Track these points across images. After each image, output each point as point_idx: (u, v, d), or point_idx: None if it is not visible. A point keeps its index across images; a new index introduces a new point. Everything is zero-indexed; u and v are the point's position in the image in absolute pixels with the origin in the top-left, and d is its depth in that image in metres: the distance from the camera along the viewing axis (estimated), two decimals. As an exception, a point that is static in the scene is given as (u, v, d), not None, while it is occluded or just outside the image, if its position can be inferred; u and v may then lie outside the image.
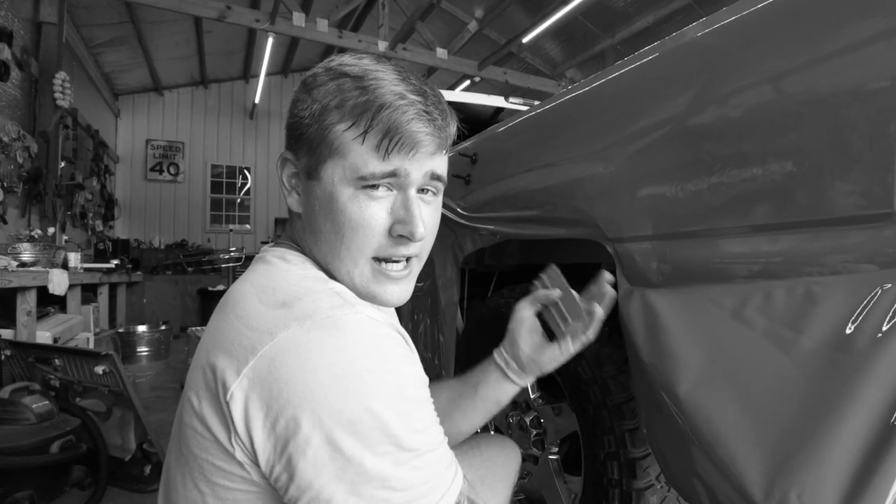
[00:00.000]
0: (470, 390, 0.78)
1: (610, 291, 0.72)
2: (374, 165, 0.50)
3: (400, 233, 0.52)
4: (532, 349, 0.75)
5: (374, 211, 0.51)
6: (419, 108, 0.50)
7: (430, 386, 0.69)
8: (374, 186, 0.51)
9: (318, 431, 0.42)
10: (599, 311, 0.71)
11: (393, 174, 0.51)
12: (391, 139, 0.49)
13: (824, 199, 0.57)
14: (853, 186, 0.55)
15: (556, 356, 0.74)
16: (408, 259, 0.55)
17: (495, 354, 0.78)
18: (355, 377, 0.43)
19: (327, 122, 0.51)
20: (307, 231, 0.57)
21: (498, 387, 0.77)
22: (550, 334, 0.76)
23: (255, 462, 0.45)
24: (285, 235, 0.62)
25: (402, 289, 0.56)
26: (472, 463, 0.77)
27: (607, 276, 0.73)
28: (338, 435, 0.42)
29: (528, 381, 0.77)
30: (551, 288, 0.75)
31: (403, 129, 0.49)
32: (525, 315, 0.77)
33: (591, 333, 0.73)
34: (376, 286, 0.54)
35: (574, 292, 0.74)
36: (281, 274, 0.52)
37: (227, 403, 0.44)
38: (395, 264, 0.54)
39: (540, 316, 0.78)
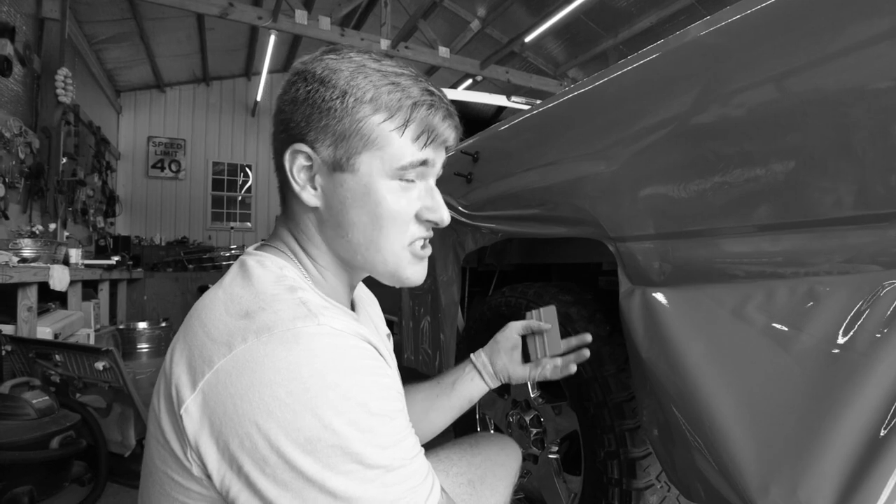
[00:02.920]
0: (446, 389, 0.87)
1: (585, 353, 0.86)
2: (411, 155, 0.53)
3: (428, 218, 0.56)
4: (509, 363, 0.88)
5: (409, 200, 0.54)
6: (444, 106, 0.54)
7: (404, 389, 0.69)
8: (409, 178, 0.54)
9: (275, 451, 0.40)
10: (573, 367, 0.85)
11: (424, 163, 0.54)
12: (429, 134, 0.53)
13: (827, 198, 0.57)
14: (857, 186, 0.55)
15: (523, 375, 0.88)
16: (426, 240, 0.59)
17: (473, 357, 0.90)
18: (314, 394, 0.41)
19: (361, 115, 0.51)
20: (327, 225, 0.55)
21: (472, 385, 0.87)
22: (527, 355, 0.90)
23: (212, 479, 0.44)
24: (275, 236, 0.59)
25: (423, 268, 0.59)
26: (471, 462, 0.78)
27: (587, 336, 0.86)
28: (296, 455, 0.40)
29: (496, 384, 0.89)
30: (544, 322, 0.88)
31: (438, 125, 0.54)
32: (513, 335, 0.89)
33: (557, 373, 0.86)
34: (410, 269, 0.57)
35: (559, 334, 0.87)
36: (252, 280, 0.50)
37: (181, 417, 0.43)
38: (423, 246, 0.58)
39: (524, 338, 0.90)
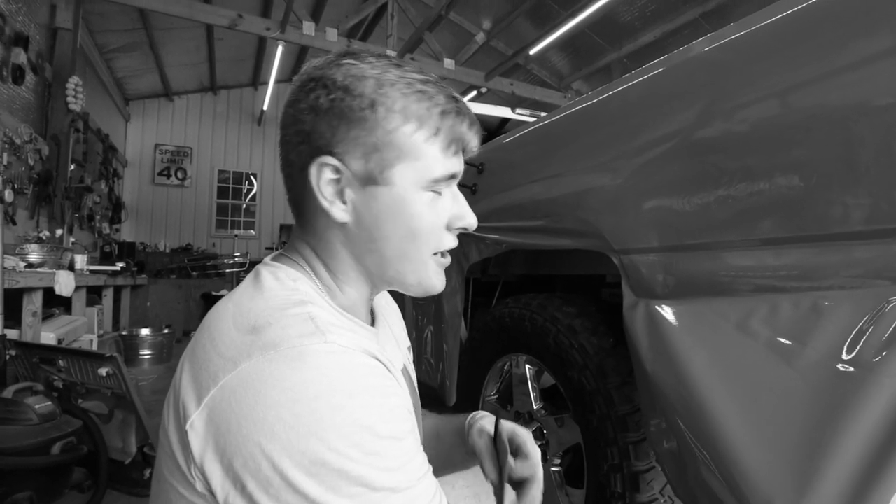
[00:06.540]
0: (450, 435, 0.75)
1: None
2: (442, 167, 0.52)
3: (458, 225, 0.56)
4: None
5: (440, 211, 0.54)
6: (468, 113, 0.54)
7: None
8: (439, 189, 0.54)
9: (279, 472, 0.40)
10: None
11: (454, 175, 0.54)
12: (457, 143, 0.53)
13: (831, 213, 0.58)
14: (861, 201, 0.55)
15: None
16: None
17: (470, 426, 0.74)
18: (320, 416, 0.40)
19: (393, 125, 0.50)
20: (357, 240, 0.54)
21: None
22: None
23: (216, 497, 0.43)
24: (292, 248, 0.58)
25: (444, 276, 0.59)
26: (478, 475, 0.77)
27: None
28: (300, 477, 0.40)
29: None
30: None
31: (466, 134, 0.53)
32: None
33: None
34: (436, 279, 0.57)
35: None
36: (262, 293, 0.49)
37: (187, 432, 0.43)
38: (444, 255, 0.57)
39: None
